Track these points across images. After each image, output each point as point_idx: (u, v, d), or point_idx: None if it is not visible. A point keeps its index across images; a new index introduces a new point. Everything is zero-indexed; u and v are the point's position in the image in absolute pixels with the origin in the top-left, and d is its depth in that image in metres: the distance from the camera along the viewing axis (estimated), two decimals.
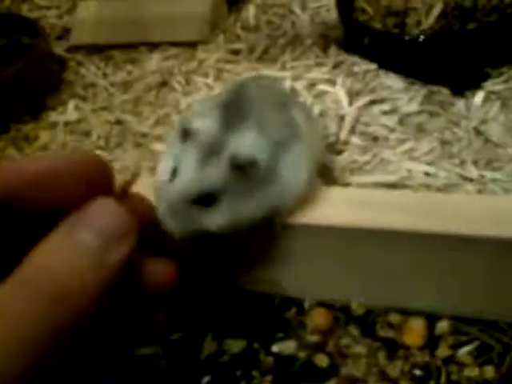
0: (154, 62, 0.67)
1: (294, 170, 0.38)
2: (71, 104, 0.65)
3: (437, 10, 0.57)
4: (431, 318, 0.43)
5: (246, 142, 0.36)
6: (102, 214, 0.26)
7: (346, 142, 0.49)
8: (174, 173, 0.36)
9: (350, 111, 0.51)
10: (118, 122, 0.61)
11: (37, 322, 0.23)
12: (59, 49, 0.74)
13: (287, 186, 0.38)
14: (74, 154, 0.33)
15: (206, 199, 0.35)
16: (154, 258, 0.30)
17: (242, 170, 0.35)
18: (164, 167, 0.38)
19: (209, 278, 0.46)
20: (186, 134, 0.37)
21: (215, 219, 0.36)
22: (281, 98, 0.43)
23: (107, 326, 0.28)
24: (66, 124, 0.62)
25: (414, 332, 0.43)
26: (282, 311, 0.46)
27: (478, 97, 0.52)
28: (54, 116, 0.64)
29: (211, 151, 0.36)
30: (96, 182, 0.28)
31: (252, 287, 0.47)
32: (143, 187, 0.32)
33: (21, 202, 0.27)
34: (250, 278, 0.46)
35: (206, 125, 0.38)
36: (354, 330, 0.44)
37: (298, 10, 0.68)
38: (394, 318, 0.44)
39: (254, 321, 0.46)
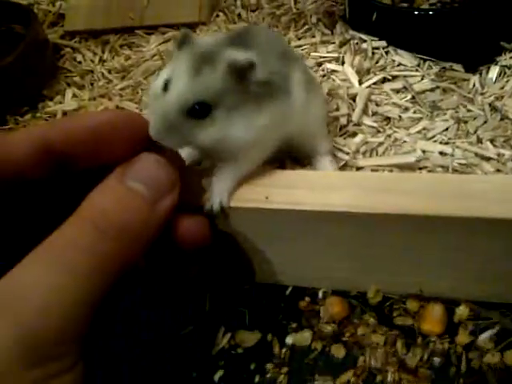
0: (152, 45, 0.65)
1: (282, 110, 0.37)
2: (69, 93, 0.63)
3: None
4: (450, 303, 0.42)
5: (245, 54, 0.35)
6: (152, 167, 0.30)
7: (358, 124, 0.47)
8: (167, 85, 0.34)
9: (360, 90, 0.49)
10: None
11: (105, 253, 0.26)
12: (53, 35, 0.72)
13: (273, 121, 0.37)
14: (121, 112, 0.37)
15: (200, 110, 0.34)
16: (186, 215, 0.33)
17: (241, 75, 0.34)
18: (158, 80, 0.36)
19: (220, 272, 0.45)
20: (182, 42, 0.36)
21: (208, 132, 0.34)
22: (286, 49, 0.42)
23: None
24: (65, 113, 0.60)
25: (433, 319, 0.42)
26: (295, 301, 0.45)
27: (493, 72, 0.50)
28: (51, 106, 0.62)
29: (206, 59, 0.34)
30: (140, 136, 0.31)
31: (264, 279, 0.46)
32: None
33: (77, 155, 0.30)
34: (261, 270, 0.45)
35: (205, 39, 0.38)
36: (370, 319, 0.43)
37: None
38: (412, 304, 0.43)
39: (267, 312, 0.45)
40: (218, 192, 0.38)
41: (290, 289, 0.46)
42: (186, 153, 0.43)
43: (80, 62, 0.68)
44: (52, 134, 0.29)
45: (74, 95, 0.63)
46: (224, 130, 0.35)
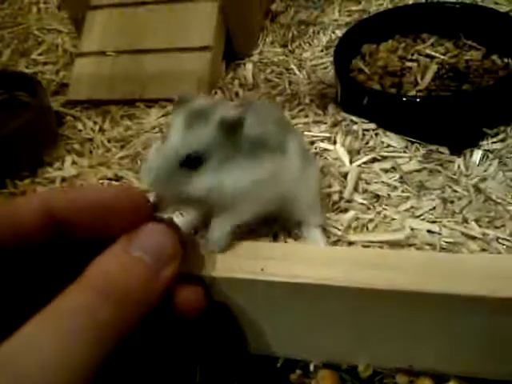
0: (152, 117, 0.67)
1: (275, 168, 0.39)
2: (68, 159, 0.65)
3: (432, 71, 0.59)
4: (439, 379, 0.42)
5: (236, 111, 0.37)
6: (156, 237, 0.31)
7: (350, 200, 0.49)
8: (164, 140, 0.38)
9: (351, 169, 0.51)
10: (116, 179, 0.60)
11: (107, 320, 0.26)
12: (56, 104, 0.74)
13: (265, 178, 0.39)
14: (122, 188, 0.37)
15: (193, 161, 0.36)
16: (184, 284, 0.34)
17: (231, 130, 0.36)
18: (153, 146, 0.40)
19: (212, 342, 0.45)
20: (180, 103, 0.38)
21: (201, 182, 0.37)
22: (283, 119, 0.45)
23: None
24: (64, 179, 0.61)
25: None
26: (286, 373, 0.45)
27: (476, 155, 0.53)
28: (51, 171, 0.63)
29: (200, 115, 0.36)
30: (139, 212, 0.32)
31: (255, 350, 0.46)
32: None
33: (75, 226, 0.31)
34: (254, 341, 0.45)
35: (203, 101, 0.39)
36: None
37: (295, 68, 0.69)
38: (402, 379, 0.43)
39: (257, 383, 0.45)
40: (217, 234, 0.41)
41: (281, 361, 0.46)
42: (183, 222, 0.45)
43: (80, 130, 0.70)
44: (57, 202, 0.31)
45: (74, 162, 0.64)
46: (216, 179, 0.37)
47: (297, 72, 0.69)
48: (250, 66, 0.71)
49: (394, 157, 0.53)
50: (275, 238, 0.47)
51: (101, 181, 0.59)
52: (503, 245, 0.45)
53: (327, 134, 0.57)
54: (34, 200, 0.31)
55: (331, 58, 0.70)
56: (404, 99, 0.54)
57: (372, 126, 0.56)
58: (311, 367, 0.45)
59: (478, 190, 0.50)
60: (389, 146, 0.55)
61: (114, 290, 0.27)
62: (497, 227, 0.47)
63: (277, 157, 0.40)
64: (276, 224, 0.48)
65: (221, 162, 0.37)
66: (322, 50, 0.73)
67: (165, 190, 0.37)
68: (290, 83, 0.67)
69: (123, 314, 0.27)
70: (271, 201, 0.42)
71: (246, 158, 0.38)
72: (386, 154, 0.54)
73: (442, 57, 0.62)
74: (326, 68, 0.69)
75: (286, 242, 0.46)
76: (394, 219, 0.48)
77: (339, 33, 0.75)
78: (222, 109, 0.37)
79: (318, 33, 0.77)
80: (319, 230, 0.46)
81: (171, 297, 0.33)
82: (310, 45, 0.75)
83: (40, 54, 0.88)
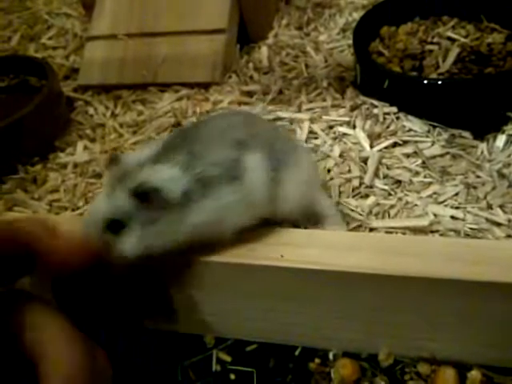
0: (165, 102, 0.66)
1: (221, 204, 0.38)
2: (80, 145, 0.64)
3: (453, 54, 0.58)
4: (462, 368, 0.41)
5: (158, 174, 0.37)
6: None
7: (370, 186, 0.48)
8: None
9: (371, 154, 0.50)
10: None
11: None
12: (67, 89, 0.73)
13: (210, 217, 0.38)
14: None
15: (114, 226, 0.36)
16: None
17: (145, 198, 0.36)
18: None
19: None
20: (110, 163, 0.38)
21: (126, 245, 0.36)
22: (243, 134, 0.41)
23: None
24: (75, 165, 0.60)
25: (445, 382, 0.41)
26: (305, 362, 0.44)
27: (500, 140, 0.52)
28: (62, 157, 0.62)
29: (121, 179, 0.36)
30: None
31: (273, 338, 0.45)
32: None
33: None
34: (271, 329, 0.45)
35: (135, 155, 0.39)
36: (381, 382, 0.42)
37: (311, 51, 0.68)
38: (423, 368, 0.42)
39: (275, 372, 0.44)
40: None
41: (299, 349, 0.45)
42: None
43: (92, 116, 0.69)
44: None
45: (86, 147, 0.63)
46: (141, 242, 0.36)
47: (313, 55, 0.67)
48: (264, 49, 0.70)
49: (415, 141, 0.52)
50: (295, 225, 0.45)
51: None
52: None
53: (346, 118, 0.56)
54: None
55: (348, 41, 0.68)
56: (426, 82, 0.53)
57: (393, 109, 0.55)
58: (330, 356, 0.44)
59: (501, 175, 0.48)
60: (410, 130, 0.53)
61: None
62: None
63: (223, 191, 0.38)
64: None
65: (145, 226, 0.36)
66: (338, 33, 0.71)
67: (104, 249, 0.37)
68: (307, 66, 0.65)
69: None
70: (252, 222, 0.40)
71: (179, 211, 0.37)
72: (407, 138, 0.52)
73: (464, 39, 0.60)
74: (342, 51, 0.67)
75: (306, 228, 0.45)
76: (416, 205, 0.46)
77: (356, 15, 0.73)
78: (144, 170, 0.37)
79: (335, 15, 0.75)
80: (336, 215, 0.45)
81: None
82: (325, 28, 0.73)
83: (50, 39, 0.86)
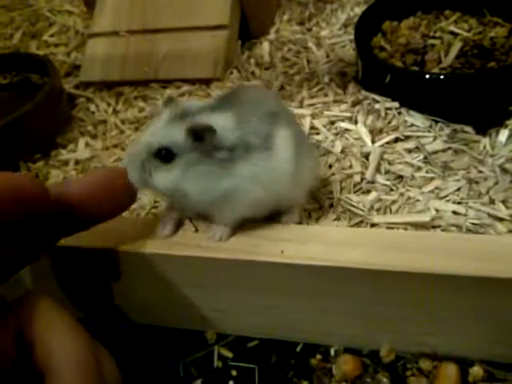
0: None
1: (257, 171, 0.39)
2: (82, 142, 0.63)
3: (456, 48, 0.57)
4: (463, 363, 0.41)
5: (216, 119, 0.38)
6: None
7: (372, 181, 0.48)
8: None
9: (373, 149, 0.50)
10: None
11: None
12: (68, 85, 0.73)
13: (243, 184, 0.39)
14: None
15: (163, 155, 0.38)
16: None
17: (200, 137, 0.37)
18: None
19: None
20: (167, 102, 0.40)
21: (165, 178, 0.38)
22: (274, 108, 0.42)
23: None
24: (77, 162, 0.60)
25: (447, 379, 0.41)
26: (306, 358, 0.44)
27: (503, 135, 0.51)
28: (64, 154, 0.62)
29: (179, 118, 0.38)
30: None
31: (274, 334, 0.45)
32: None
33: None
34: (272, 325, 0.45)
35: (192, 102, 0.41)
36: (384, 379, 0.42)
37: (313, 46, 0.67)
38: (425, 364, 0.42)
39: (277, 368, 0.44)
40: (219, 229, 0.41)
41: (300, 345, 0.45)
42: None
43: (94, 112, 0.69)
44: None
45: (87, 144, 0.63)
46: (179, 181, 0.38)
47: (315, 50, 0.67)
48: (266, 44, 0.69)
49: (417, 136, 0.51)
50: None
51: (115, 163, 0.58)
52: None
53: (348, 114, 0.55)
54: None
55: (350, 36, 0.68)
56: (428, 76, 0.52)
57: (395, 104, 0.55)
58: (332, 352, 0.44)
59: (504, 170, 0.48)
60: (412, 125, 0.53)
61: None
62: None
63: (259, 158, 0.39)
64: None
65: (189, 165, 0.38)
66: (340, 28, 0.71)
67: (134, 175, 0.38)
68: (309, 62, 0.65)
69: None
70: (265, 201, 0.41)
71: (216, 168, 0.38)
72: (409, 133, 0.52)
73: (466, 34, 0.60)
74: (344, 46, 0.67)
75: (307, 224, 0.45)
76: (418, 200, 0.46)
77: (358, 10, 0.73)
78: (200, 114, 0.38)
79: (336, 10, 0.75)
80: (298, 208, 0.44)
81: None
82: (327, 23, 0.73)
83: (51, 36, 0.86)
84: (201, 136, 0.37)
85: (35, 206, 0.32)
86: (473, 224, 0.44)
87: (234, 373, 0.44)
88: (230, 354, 0.45)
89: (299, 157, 0.40)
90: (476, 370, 0.41)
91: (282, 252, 0.40)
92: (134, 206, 0.50)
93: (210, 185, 0.38)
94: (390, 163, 0.49)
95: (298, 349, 0.45)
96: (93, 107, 0.69)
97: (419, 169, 0.49)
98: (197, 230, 0.43)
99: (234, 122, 0.38)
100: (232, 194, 0.39)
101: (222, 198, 0.39)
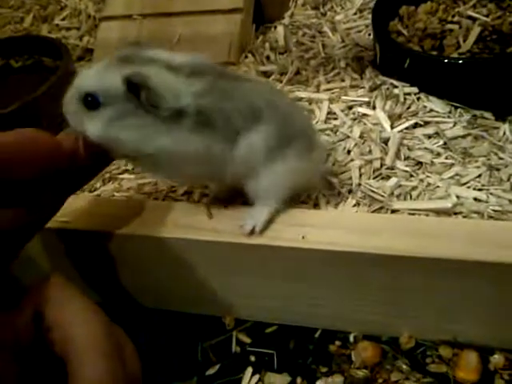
0: None
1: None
2: None
3: (474, 33, 0.56)
4: (484, 351, 0.41)
5: (166, 77, 0.36)
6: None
7: (391, 167, 0.47)
8: None
9: (392, 135, 0.49)
10: None
11: None
12: (80, 70, 0.72)
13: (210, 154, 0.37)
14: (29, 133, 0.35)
15: (91, 101, 0.36)
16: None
17: (135, 91, 0.35)
18: None
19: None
20: (131, 44, 0.40)
21: (94, 126, 0.36)
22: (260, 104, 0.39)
23: None
24: None
25: (468, 366, 0.41)
26: (325, 344, 0.44)
27: None
28: None
29: (123, 61, 0.36)
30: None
31: (292, 320, 0.45)
32: None
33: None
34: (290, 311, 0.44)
35: (156, 51, 0.39)
36: (403, 365, 0.42)
37: (328, 31, 0.66)
38: (445, 351, 0.42)
39: (296, 354, 0.44)
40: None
41: (319, 331, 0.45)
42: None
43: None
44: None
45: None
46: (111, 129, 0.36)
47: (330, 35, 0.66)
48: (281, 28, 0.68)
49: (437, 122, 0.51)
50: (316, 206, 0.45)
51: None
52: None
53: (366, 99, 0.54)
54: None
55: (365, 21, 0.67)
56: (446, 61, 0.52)
57: (414, 89, 0.54)
58: (351, 338, 0.44)
59: None
60: (432, 110, 0.52)
61: None
62: None
63: (212, 139, 0.37)
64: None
65: (120, 116, 0.36)
66: (355, 13, 0.70)
67: (70, 120, 0.38)
68: (324, 47, 0.64)
69: None
70: (204, 174, 0.41)
71: (158, 124, 0.36)
72: (428, 119, 0.51)
73: (485, 18, 0.59)
74: (360, 31, 0.66)
75: (327, 210, 0.45)
76: (438, 187, 0.46)
77: None
78: (153, 66, 0.36)
79: None
80: (266, 210, 0.41)
81: None
82: (342, 7, 0.72)
83: (63, 19, 0.85)
84: (136, 90, 0.35)
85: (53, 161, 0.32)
86: (494, 211, 0.43)
87: (252, 358, 0.44)
88: (248, 340, 0.45)
89: (275, 154, 0.39)
90: (497, 358, 0.41)
91: (303, 237, 0.39)
92: (150, 190, 0.50)
93: (148, 137, 0.36)
94: (409, 149, 0.49)
95: (317, 335, 0.45)
96: None
97: (439, 155, 0.48)
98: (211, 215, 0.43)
99: (199, 91, 0.36)
100: (165, 154, 0.37)
101: (155, 157, 0.37)
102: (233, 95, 0.38)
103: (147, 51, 0.38)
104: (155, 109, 0.35)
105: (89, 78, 0.37)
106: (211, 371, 0.44)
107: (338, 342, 0.44)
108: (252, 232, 0.40)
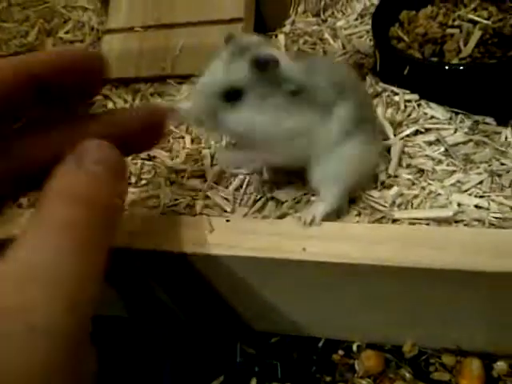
0: (183, 94, 0.65)
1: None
2: None
3: (475, 37, 0.56)
4: (487, 359, 0.41)
5: (276, 52, 0.38)
6: (105, 151, 0.30)
7: (394, 176, 0.47)
8: None
9: (395, 142, 0.49)
10: (149, 158, 0.58)
11: (84, 225, 0.26)
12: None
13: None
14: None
15: (231, 95, 0.37)
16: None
17: (264, 67, 0.36)
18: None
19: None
20: (228, 39, 0.40)
21: (239, 116, 0.38)
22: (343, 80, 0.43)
23: None
24: None
25: (471, 374, 0.41)
26: (328, 354, 0.44)
27: None
28: None
29: (239, 53, 0.38)
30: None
31: (295, 330, 0.45)
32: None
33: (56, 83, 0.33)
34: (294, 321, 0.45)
35: (248, 38, 0.40)
36: (406, 374, 0.42)
37: (329, 37, 0.67)
38: (448, 359, 0.42)
39: (299, 364, 0.44)
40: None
41: (322, 341, 0.45)
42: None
43: None
44: (33, 62, 0.32)
45: None
46: (251, 119, 0.38)
47: (331, 42, 0.66)
48: (282, 37, 0.69)
49: (438, 129, 0.51)
50: None
51: (133, 161, 0.58)
52: None
53: None
54: (15, 61, 0.32)
55: (366, 27, 0.67)
56: (447, 67, 0.52)
57: (414, 96, 0.54)
58: (354, 347, 0.44)
59: None
60: (432, 117, 0.52)
61: (81, 200, 0.27)
62: None
63: (316, 114, 0.39)
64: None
65: (257, 100, 0.37)
66: (356, 19, 0.70)
67: (203, 120, 0.39)
68: (325, 53, 0.64)
69: (96, 218, 0.27)
70: (296, 156, 0.42)
71: (285, 104, 0.38)
72: (429, 125, 0.51)
73: (486, 22, 0.59)
74: (361, 37, 0.66)
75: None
76: (439, 194, 0.45)
77: (374, 0, 0.72)
78: (263, 47, 0.38)
79: (352, 0, 0.74)
80: (323, 206, 0.43)
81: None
82: (343, 13, 0.72)
83: (66, 33, 0.86)
84: (264, 66, 0.36)
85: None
86: (495, 218, 0.43)
87: (256, 369, 0.44)
88: (252, 350, 0.45)
89: (349, 137, 0.41)
90: (500, 365, 0.41)
91: (304, 249, 0.39)
92: (154, 204, 0.51)
93: (278, 120, 0.38)
94: (410, 156, 0.49)
95: (320, 344, 0.45)
96: (110, 104, 0.69)
97: (440, 162, 0.48)
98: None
99: (306, 69, 0.39)
100: (288, 134, 0.39)
101: (279, 137, 0.39)
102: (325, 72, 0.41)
103: (251, 39, 0.40)
104: (287, 84, 0.37)
105: (219, 73, 0.38)
106: (215, 383, 0.44)
107: (341, 352, 0.44)
108: (311, 222, 0.41)
